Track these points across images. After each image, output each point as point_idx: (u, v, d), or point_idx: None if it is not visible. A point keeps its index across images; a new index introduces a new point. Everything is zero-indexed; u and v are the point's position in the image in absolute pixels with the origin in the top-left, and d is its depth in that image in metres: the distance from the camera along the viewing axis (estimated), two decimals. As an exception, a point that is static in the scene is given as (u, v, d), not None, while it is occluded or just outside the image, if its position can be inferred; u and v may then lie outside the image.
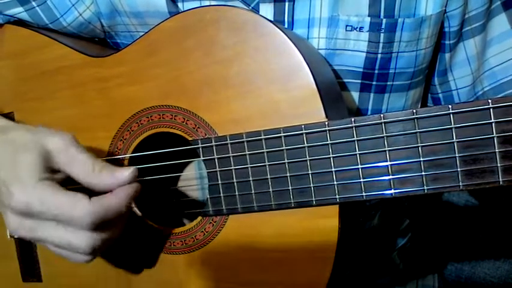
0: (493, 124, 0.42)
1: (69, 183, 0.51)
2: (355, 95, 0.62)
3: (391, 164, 0.46)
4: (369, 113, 0.63)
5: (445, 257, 0.91)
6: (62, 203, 0.47)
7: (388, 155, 0.46)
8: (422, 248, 0.85)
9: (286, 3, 0.57)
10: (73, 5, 0.64)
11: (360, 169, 0.47)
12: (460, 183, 0.44)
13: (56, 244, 0.49)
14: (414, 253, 0.82)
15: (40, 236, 0.49)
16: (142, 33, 0.57)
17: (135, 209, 0.60)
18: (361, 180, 0.47)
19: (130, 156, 0.59)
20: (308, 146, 0.49)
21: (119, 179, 0.50)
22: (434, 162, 0.45)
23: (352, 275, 0.73)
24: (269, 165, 0.51)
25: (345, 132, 0.47)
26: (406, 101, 0.64)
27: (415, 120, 0.45)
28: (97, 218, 0.47)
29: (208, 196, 0.54)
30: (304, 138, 0.49)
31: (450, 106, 0.44)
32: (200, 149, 0.54)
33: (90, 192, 0.49)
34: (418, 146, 0.45)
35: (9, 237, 0.62)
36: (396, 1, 0.57)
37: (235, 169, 0.52)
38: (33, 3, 0.64)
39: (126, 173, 0.50)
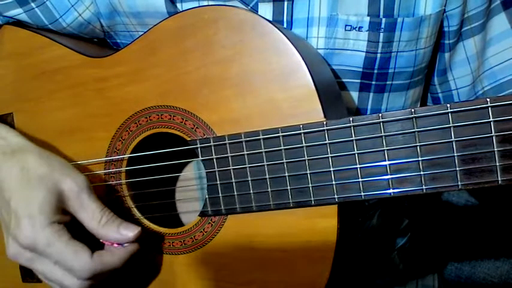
0: (492, 123, 0.42)
1: (77, 222, 0.53)
2: (355, 94, 0.62)
3: (389, 164, 0.46)
4: (368, 112, 0.63)
5: (445, 257, 0.90)
6: (66, 252, 0.50)
7: (386, 155, 0.46)
8: (422, 248, 0.85)
9: (285, 3, 0.57)
10: (72, 6, 0.64)
11: (359, 169, 0.47)
12: (459, 183, 0.44)
13: (49, 279, 0.53)
14: (414, 253, 0.82)
15: (36, 267, 0.53)
16: (141, 33, 0.57)
17: (135, 210, 0.60)
18: (360, 179, 0.47)
19: (129, 157, 0.59)
20: (306, 146, 0.49)
21: (123, 237, 0.53)
22: (433, 161, 0.45)
23: (352, 275, 0.73)
24: (267, 165, 0.51)
25: (343, 131, 0.47)
26: (406, 100, 0.64)
27: (414, 119, 0.45)
28: (94, 273, 0.51)
29: (207, 196, 0.54)
30: (303, 138, 0.49)
31: (448, 105, 0.43)
32: (199, 149, 0.54)
33: (93, 238, 0.53)
34: (416, 146, 0.45)
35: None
36: (395, 1, 0.56)
37: (233, 169, 0.52)
38: (33, 4, 0.64)
39: (131, 234, 0.53)
